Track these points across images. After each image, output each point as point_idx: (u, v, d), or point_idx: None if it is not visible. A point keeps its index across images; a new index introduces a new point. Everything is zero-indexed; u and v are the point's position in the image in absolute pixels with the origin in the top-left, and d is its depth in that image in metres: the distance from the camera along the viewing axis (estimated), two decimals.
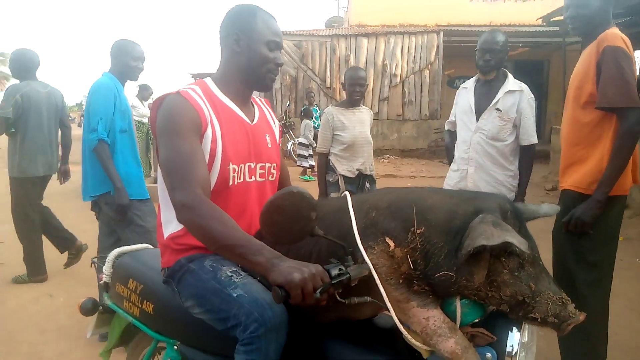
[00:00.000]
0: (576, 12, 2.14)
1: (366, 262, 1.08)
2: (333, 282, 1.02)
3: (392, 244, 1.09)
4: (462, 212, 1.06)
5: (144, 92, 8.46)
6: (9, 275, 4.20)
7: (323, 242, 1.18)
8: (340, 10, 19.68)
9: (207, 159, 1.40)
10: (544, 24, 9.82)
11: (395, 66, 12.18)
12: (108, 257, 1.87)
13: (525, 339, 1.13)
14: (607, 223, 2.15)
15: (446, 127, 3.15)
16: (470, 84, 2.88)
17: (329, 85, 12.03)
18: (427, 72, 12.28)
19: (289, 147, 10.66)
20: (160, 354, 1.77)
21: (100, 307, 1.89)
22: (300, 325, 1.31)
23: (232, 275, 1.33)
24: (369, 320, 1.33)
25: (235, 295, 1.26)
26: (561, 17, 9.58)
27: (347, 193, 1.23)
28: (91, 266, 2.00)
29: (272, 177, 1.61)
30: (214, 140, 1.40)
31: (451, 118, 3.05)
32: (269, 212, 1.05)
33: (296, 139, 10.16)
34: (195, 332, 1.49)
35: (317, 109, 10.52)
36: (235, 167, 1.45)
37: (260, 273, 1.08)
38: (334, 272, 1.04)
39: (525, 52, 13.87)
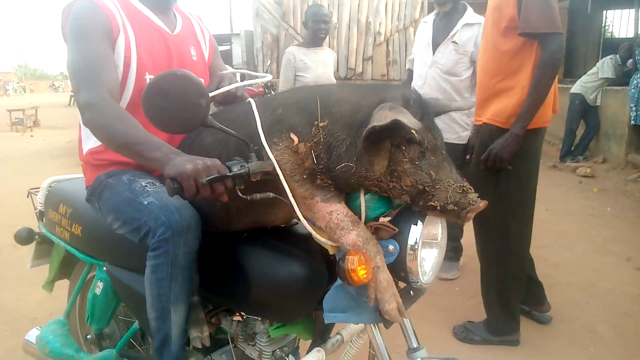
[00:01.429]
0: None
1: (270, 158, 1.03)
2: (229, 174, 0.97)
3: (296, 139, 1.04)
4: (366, 103, 1.01)
5: None
6: None
7: (231, 143, 1.13)
8: None
9: (121, 68, 1.32)
10: None
11: (379, 24, 11.92)
12: (42, 186, 1.81)
13: (438, 232, 1.11)
14: (527, 157, 2.05)
15: (406, 66, 3.07)
16: (430, 18, 2.79)
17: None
18: (411, 30, 12.00)
19: None
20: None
21: (37, 237, 1.85)
22: (216, 233, 1.28)
23: (146, 186, 1.28)
24: (287, 228, 1.30)
25: (146, 203, 1.22)
26: None
27: (250, 99, 1.18)
28: (27, 197, 1.94)
29: None
30: (127, 48, 1.32)
31: (411, 56, 2.97)
32: (149, 96, 0.97)
33: None
34: (119, 251, 1.45)
35: None
36: (153, 77, 1.38)
37: (155, 167, 1.03)
38: (235, 168, 1.00)
39: None
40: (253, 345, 1.34)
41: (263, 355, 1.31)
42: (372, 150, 0.98)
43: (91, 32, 1.26)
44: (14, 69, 57.56)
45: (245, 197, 1.00)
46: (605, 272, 3.07)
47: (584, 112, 6.64)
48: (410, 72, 2.99)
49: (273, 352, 1.31)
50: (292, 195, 1.04)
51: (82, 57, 1.24)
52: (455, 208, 0.97)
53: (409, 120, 0.90)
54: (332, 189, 1.04)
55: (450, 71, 2.62)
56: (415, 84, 2.76)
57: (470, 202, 0.97)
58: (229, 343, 1.44)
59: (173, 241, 1.15)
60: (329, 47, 12.09)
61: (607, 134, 6.58)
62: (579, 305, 2.65)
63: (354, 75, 12.25)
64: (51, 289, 1.98)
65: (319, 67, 3.18)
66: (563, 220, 4.18)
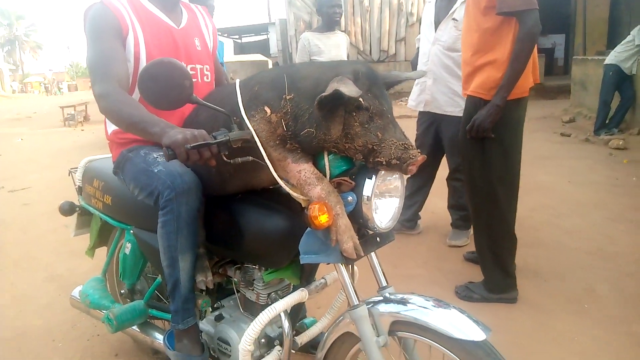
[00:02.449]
0: None
1: (248, 128, 1.25)
2: (213, 142, 1.19)
3: (269, 111, 1.25)
4: (325, 78, 1.20)
5: None
6: (32, 213, 4.62)
7: (220, 118, 1.34)
8: None
9: (132, 62, 1.56)
10: None
11: (412, 4, 11.87)
12: (79, 165, 2.11)
13: (398, 184, 1.31)
14: (509, 126, 2.18)
15: (416, 45, 3.21)
16: None
17: (343, 29, 11.88)
18: None
19: None
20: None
21: (77, 209, 2.15)
22: (217, 196, 1.51)
23: (157, 157, 1.53)
24: (272, 189, 1.52)
25: (156, 171, 1.47)
26: None
27: (237, 79, 1.39)
28: (68, 175, 2.24)
29: (207, 79, 1.76)
30: (136, 44, 1.56)
31: (418, 35, 3.11)
32: (142, 80, 1.20)
33: None
34: (142, 215, 1.71)
35: None
36: (145, 65, 1.60)
37: (156, 140, 1.27)
38: (220, 137, 1.22)
39: None
40: (252, 290, 1.58)
41: (260, 298, 1.55)
42: (328, 117, 1.18)
43: (104, 33, 1.51)
44: (66, 68, 60.16)
45: (229, 161, 1.22)
46: (616, 237, 3.14)
47: (619, 84, 6.48)
48: (418, 51, 3.13)
49: (268, 294, 1.55)
50: (268, 158, 1.25)
51: (96, 55, 1.50)
52: (398, 162, 1.16)
53: (348, 89, 1.09)
54: (300, 152, 1.25)
55: (452, 47, 2.74)
56: (420, 61, 2.91)
57: (411, 156, 1.16)
58: (234, 292, 1.69)
59: (177, 201, 1.40)
60: (361, 30, 12.20)
61: None
62: (582, 267, 2.75)
63: (387, 57, 12.28)
64: (92, 255, 2.29)
65: (332, 50, 3.37)
66: (585, 190, 4.21)
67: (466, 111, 2.26)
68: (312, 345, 1.77)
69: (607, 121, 6.67)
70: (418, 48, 3.19)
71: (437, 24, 2.80)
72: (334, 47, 3.38)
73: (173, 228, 1.43)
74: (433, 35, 2.82)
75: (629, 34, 6.51)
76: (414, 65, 3.15)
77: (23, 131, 12.10)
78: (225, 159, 1.23)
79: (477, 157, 2.22)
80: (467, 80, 2.27)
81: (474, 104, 2.21)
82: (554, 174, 4.81)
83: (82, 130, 11.56)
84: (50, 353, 2.29)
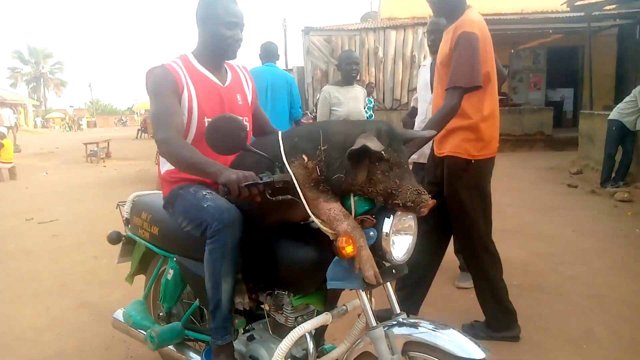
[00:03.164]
0: None
1: (288, 172, 1.52)
2: (260, 182, 1.46)
3: (306, 158, 1.51)
4: (352, 133, 1.47)
5: None
6: (62, 243, 4.90)
7: (263, 162, 1.60)
8: (373, 5, 19.98)
9: (186, 114, 1.86)
10: (568, 9, 9.79)
11: (424, 57, 12.37)
12: (128, 199, 2.38)
13: (412, 223, 1.55)
14: (484, 181, 2.50)
15: (412, 104, 3.53)
16: (428, 62, 3.27)
17: (358, 78, 12.38)
18: None
19: None
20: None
21: (123, 238, 2.41)
22: (254, 228, 1.77)
23: (205, 194, 1.79)
24: (303, 224, 1.77)
25: (205, 205, 1.73)
26: (585, 1, 9.56)
27: (279, 131, 1.67)
28: (117, 208, 2.51)
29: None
30: (190, 100, 1.87)
31: (415, 95, 3.44)
32: (208, 131, 1.49)
33: None
34: (186, 245, 1.95)
35: (372, 100, 10.59)
36: (210, 120, 1.90)
37: (212, 178, 1.54)
38: (265, 178, 1.49)
39: (559, 38, 13.74)
40: (281, 314, 1.80)
41: (288, 321, 1.77)
42: (355, 166, 1.44)
43: (164, 91, 1.83)
44: (86, 105, 61.94)
45: (272, 198, 1.49)
46: (616, 285, 3.31)
47: (622, 138, 6.74)
48: (413, 109, 3.46)
49: (296, 318, 1.77)
50: (304, 197, 1.51)
51: (159, 109, 1.80)
52: (413, 205, 1.41)
53: (374, 144, 1.36)
54: (330, 193, 1.51)
55: None
56: (418, 119, 3.24)
57: (423, 200, 1.41)
58: (265, 317, 1.91)
59: (223, 231, 1.65)
60: (375, 80, 12.68)
61: None
62: (582, 311, 2.93)
63: (399, 105, 12.73)
64: (132, 281, 2.52)
65: (350, 102, 3.69)
66: (588, 239, 4.40)
67: (447, 169, 2.50)
68: None
69: (613, 174, 6.87)
70: (413, 107, 3.51)
71: (432, 84, 3.11)
72: (352, 100, 3.71)
73: (219, 255, 1.67)
74: (429, 96, 3.12)
75: (631, 93, 6.80)
76: (405, 123, 3.46)
77: (47, 165, 12.58)
78: (268, 196, 1.49)
79: (462, 214, 2.51)
80: (441, 141, 2.52)
81: (454, 162, 2.46)
82: (559, 223, 5.01)
83: (104, 166, 11.99)
84: None
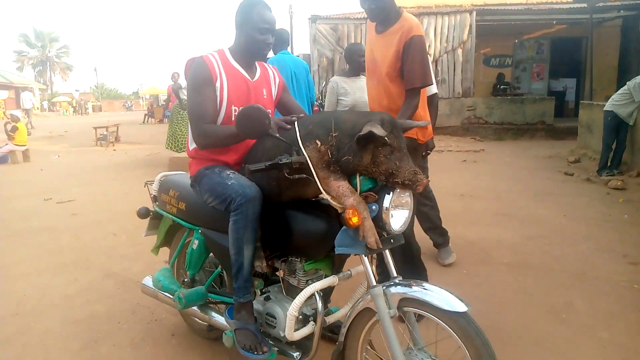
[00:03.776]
0: (375, 4, 2.60)
1: (304, 155, 1.79)
2: (280, 162, 1.73)
3: (319, 143, 1.78)
4: (360, 123, 1.73)
5: None
6: (82, 221, 5.21)
7: (281, 146, 1.87)
8: None
9: (218, 101, 2.14)
10: (572, 0, 9.92)
11: (429, 46, 12.54)
12: (156, 178, 2.66)
13: (409, 199, 1.81)
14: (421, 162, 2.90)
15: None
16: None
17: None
18: (459, 51, 12.60)
19: None
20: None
21: (151, 213, 2.70)
22: (271, 203, 2.04)
23: (229, 174, 2.07)
24: (315, 200, 2.04)
25: (230, 183, 2.01)
26: None
27: (295, 118, 1.94)
28: (144, 186, 2.79)
29: None
30: (222, 90, 2.13)
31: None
32: (238, 118, 1.75)
33: None
34: (210, 219, 2.24)
35: None
36: (237, 108, 2.16)
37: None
38: (284, 159, 1.76)
39: (563, 29, 13.87)
40: (294, 277, 2.08)
41: (300, 283, 2.05)
42: (362, 150, 1.71)
43: (199, 82, 2.11)
44: (91, 89, 62.08)
45: (289, 177, 1.76)
46: (599, 265, 3.59)
47: (618, 128, 6.96)
48: None
49: (307, 281, 2.05)
50: (317, 176, 1.78)
51: (194, 104, 2.11)
52: (410, 183, 1.68)
53: (379, 131, 1.62)
54: (339, 173, 1.77)
55: None
56: None
57: (418, 179, 1.68)
58: (278, 282, 2.20)
59: (246, 205, 1.93)
60: None
61: None
62: (565, 287, 3.21)
63: None
64: (157, 252, 2.81)
65: (357, 92, 3.93)
66: (578, 224, 4.66)
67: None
68: (331, 330, 2.27)
69: (609, 163, 7.10)
70: None
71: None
72: (358, 90, 3.94)
73: (242, 225, 1.95)
74: None
75: (625, 86, 6.99)
76: None
77: (58, 149, 12.87)
78: (286, 175, 1.76)
79: None
80: None
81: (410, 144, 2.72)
82: (552, 208, 5.28)
83: (114, 150, 12.29)
84: (117, 332, 2.79)
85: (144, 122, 24.13)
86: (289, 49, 4.75)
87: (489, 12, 12.50)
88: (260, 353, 1.96)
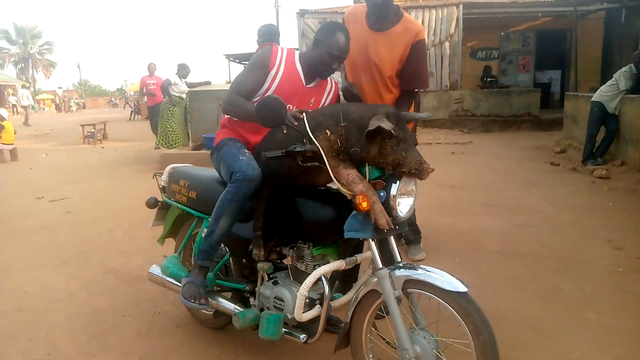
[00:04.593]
0: None
1: (315, 144, 1.87)
2: (295, 150, 1.83)
3: (329, 133, 1.87)
4: (367, 115, 1.82)
5: (182, 71, 9.33)
6: (76, 219, 5.24)
7: (294, 135, 1.94)
8: None
9: (265, 87, 2.25)
10: None
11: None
12: (165, 170, 2.74)
13: (413, 187, 1.91)
14: None
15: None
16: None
17: None
18: (447, 44, 12.73)
19: None
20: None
21: (160, 203, 2.77)
22: (284, 189, 2.13)
23: (245, 151, 2.20)
24: (325, 188, 2.14)
25: (240, 158, 2.13)
26: None
27: (304, 111, 2.03)
28: (153, 178, 2.87)
29: None
30: (274, 78, 2.24)
31: None
32: (258, 106, 1.86)
33: None
34: None
35: None
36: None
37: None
38: (297, 148, 1.85)
39: (548, 21, 14.08)
40: (302, 263, 2.17)
41: (308, 268, 2.13)
42: (370, 141, 1.80)
43: (255, 64, 2.27)
44: (74, 86, 61.18)
45: (302, 164, 1.86)
46: (585, 250, 3.73)
47: (604, 119, 7.13)
48: None
49: (314, 265, 2.13)
50: (328, 165, 1.87)
51: (240, 77, 2.33)
52: (416, 172, 1.77)
53: (386, 124, 1.71)
54: (349, 162, 1.87)
55: None
56: None
57: (424, 168, 1.77)
58: (287, 268, 2.28)
59: (242, 182, 2.05)
60: None
61: (625, 139, 7.06)
62: (553, 272, 3.34)
63: None
64: (163, 242, 2.88)
65: None
66: (565, 212, 4.82)
67: None
68: (331, 324, 2.37)
69: (593, 152, 7.28)
70: None
71: None
72: None
73: (230, 197, 2.08)
74: None
75: (613, 77, 7.17)
76: None
77: (45, 147, 12.76)
78: (300, 163, 1.86)
79: None
80: None
81: None
82: (540, 198, 5.43)
83: (103, 147, 12.22)
84: (122, 324, 2.85)
85: (130, 119, 23.96)
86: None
87: (475, 6, 12.65)
88: (198, 303, 2.21)
